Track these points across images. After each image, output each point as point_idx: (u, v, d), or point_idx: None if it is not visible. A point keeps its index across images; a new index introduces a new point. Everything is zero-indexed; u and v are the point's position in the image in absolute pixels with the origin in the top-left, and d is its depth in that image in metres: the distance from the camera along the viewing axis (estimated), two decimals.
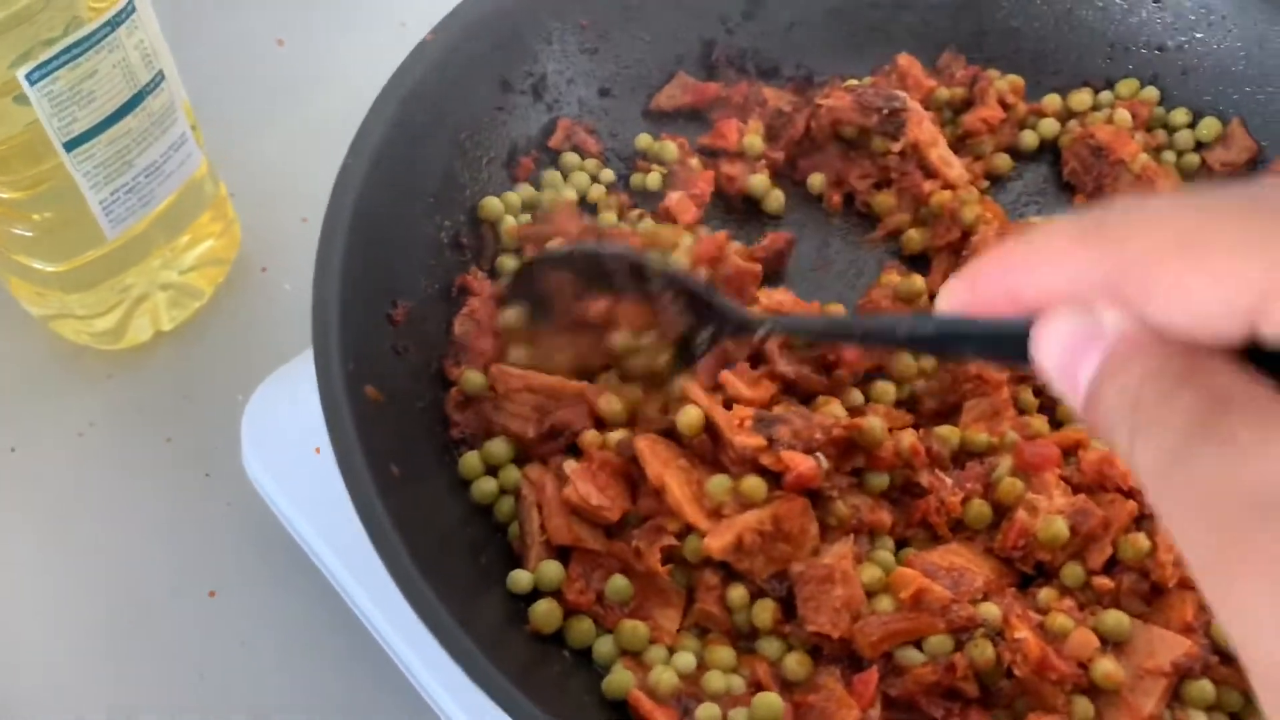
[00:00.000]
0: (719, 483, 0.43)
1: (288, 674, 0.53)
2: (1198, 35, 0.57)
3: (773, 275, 0.53)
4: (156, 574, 0.56)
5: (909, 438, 0.44)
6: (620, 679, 0.40)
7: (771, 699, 0.40)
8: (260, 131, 0.69)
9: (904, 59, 0.57)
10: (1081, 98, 0.59)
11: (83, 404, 0.61)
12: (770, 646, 0.43)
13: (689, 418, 0.44)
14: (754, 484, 0.43)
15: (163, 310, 0.62)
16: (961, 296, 0.26)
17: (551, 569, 0.43)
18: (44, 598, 0.55)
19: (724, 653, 0.42)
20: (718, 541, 0.41)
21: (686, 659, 0.41)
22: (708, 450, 0.44)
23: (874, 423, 0.44)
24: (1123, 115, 0.57)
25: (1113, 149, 0.55)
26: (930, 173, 0.54)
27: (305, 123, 0.69)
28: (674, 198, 0.53)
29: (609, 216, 0.53)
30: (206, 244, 0.62)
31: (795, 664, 0.42)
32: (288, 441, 0.54)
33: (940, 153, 0.54)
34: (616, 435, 0.45)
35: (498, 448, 0.46)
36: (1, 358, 0.62)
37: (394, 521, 0.38)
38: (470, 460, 0.45)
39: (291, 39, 0.74)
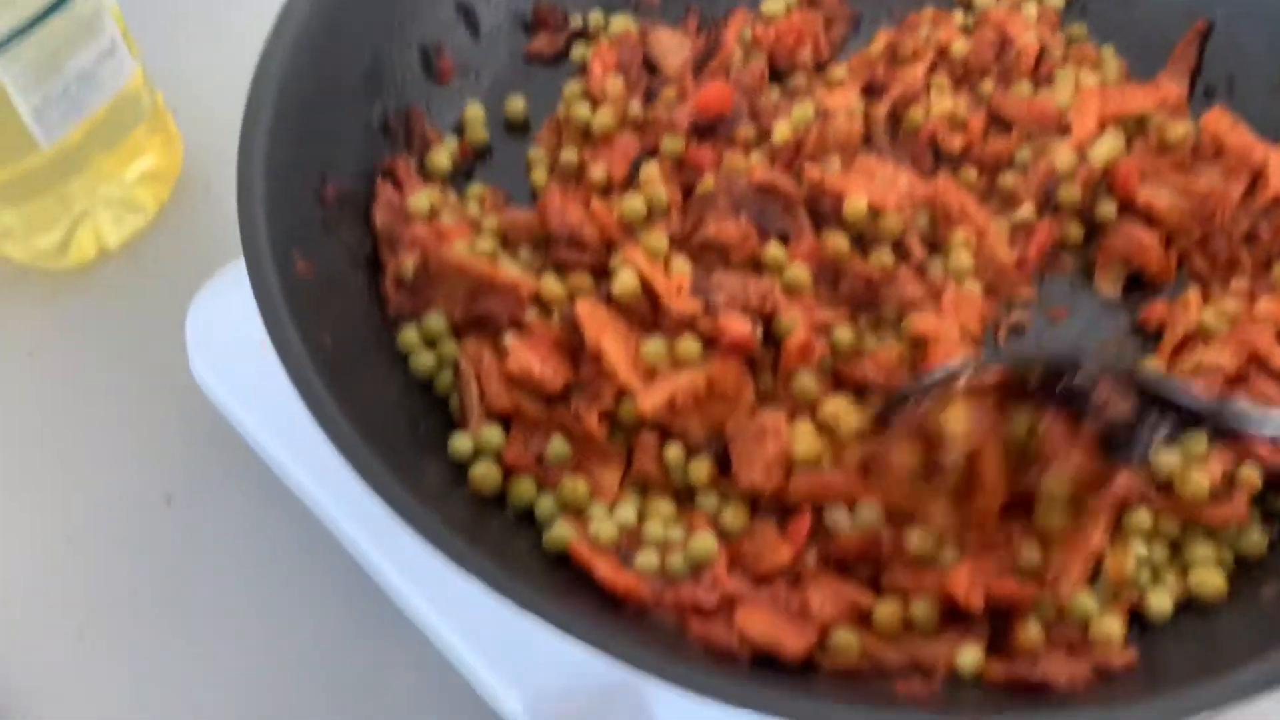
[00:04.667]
0: (654, 346, 0.43)
1: (246, 577, 0.54)
2: None
3: None
4: (112, 486, 0.56)
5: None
6: (560, 532, 0.41)
7: (706, 538, 0.41)
8: (199, 44, 0.68)
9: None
10: None
11: (31, 324, 0.61)
12: (708, 502, 0.43)
13: (625, 283, 0.44)
14: (688, 346, 0.43)
15: (107, 227, 0.62)
16: None
17: (491, 433, 0.43)
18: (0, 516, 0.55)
19: (664, 506, 0.43)
20: (649, 401, 0.42)
21: (626, 513, 0.42)
22: (647, 315, 0.44)
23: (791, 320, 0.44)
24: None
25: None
26: None
27: (246, 32, 0.68)
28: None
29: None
30: (147, 159, 0.61)
31: (732, 517, 0.43)
32: (232, 342, 0.53)
33: None
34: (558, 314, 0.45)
35: (435, 322, 0.46)
36: None
37: (327, 384, 0.38)
38: (408, 334, 0.45)
39: None
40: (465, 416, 0.44)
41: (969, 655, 0.38)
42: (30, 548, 0.54)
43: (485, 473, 0.42)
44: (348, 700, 0.51)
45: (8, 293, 0.61)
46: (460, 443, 0.43)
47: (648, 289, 0.44)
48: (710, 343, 0.43)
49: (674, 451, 0.43)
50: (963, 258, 0.47)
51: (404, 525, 0.36)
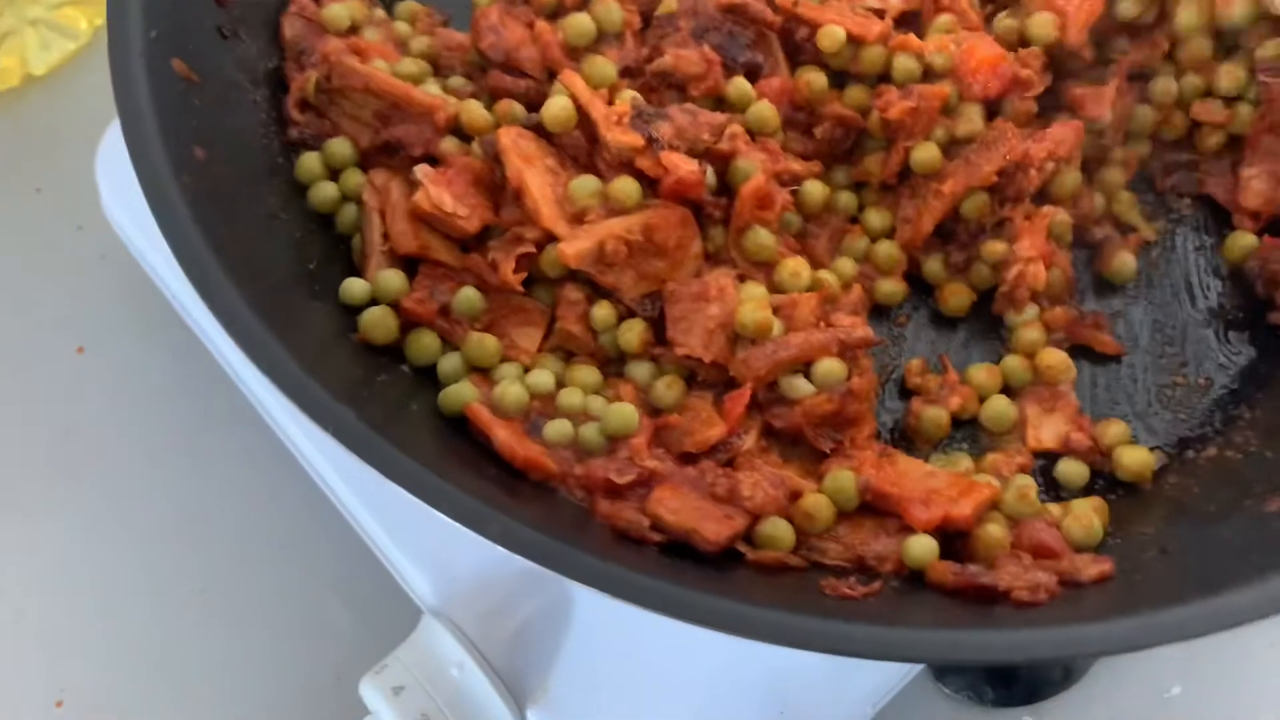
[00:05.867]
0: (583, 184, 0.37)
1: (156, 429, 0.50)
2: None
3: None
4: (20, 330, 0.52)
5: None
6: (457, 391, 0.35)
7: (625, 409, 0.35)
8: None
9: None
10: None
11: None
12: (640, 371, 0.38)
13: (558, 109, 0.37)
14: (625, 186, 0.37)
15: (32, 51, 0.56)
16: None
17: (391, 277, 0.37)
18: None
19: (587, 373, 0.37)
20: (573, 247, 0.36)
21: (543, 377, 0.36)
22: (582, 151, 0.38)
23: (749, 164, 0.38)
24: None
25: None
26: None
27: None
28: None
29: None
30: None
31: (665, 388, 0.37)
32: None
33: None
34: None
35: (340, 148, 0.40)
36: None
37: (189, 200, 0.32)
38: (308, 161, 0.39)
39: None
40: (365, 258, 0.38)
41: (919, 546, 0.33)
42: None
43: (378, 320, 0.37)
44: (256, 565, 0.47)
45: None
46: (354, 287, 0.37)
47: (584, 119, 0.38)
48: (653, 186, 0.37)
49: (603, 311, 0.37)
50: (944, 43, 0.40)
51: (246, 355, 0.30)
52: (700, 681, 0.40)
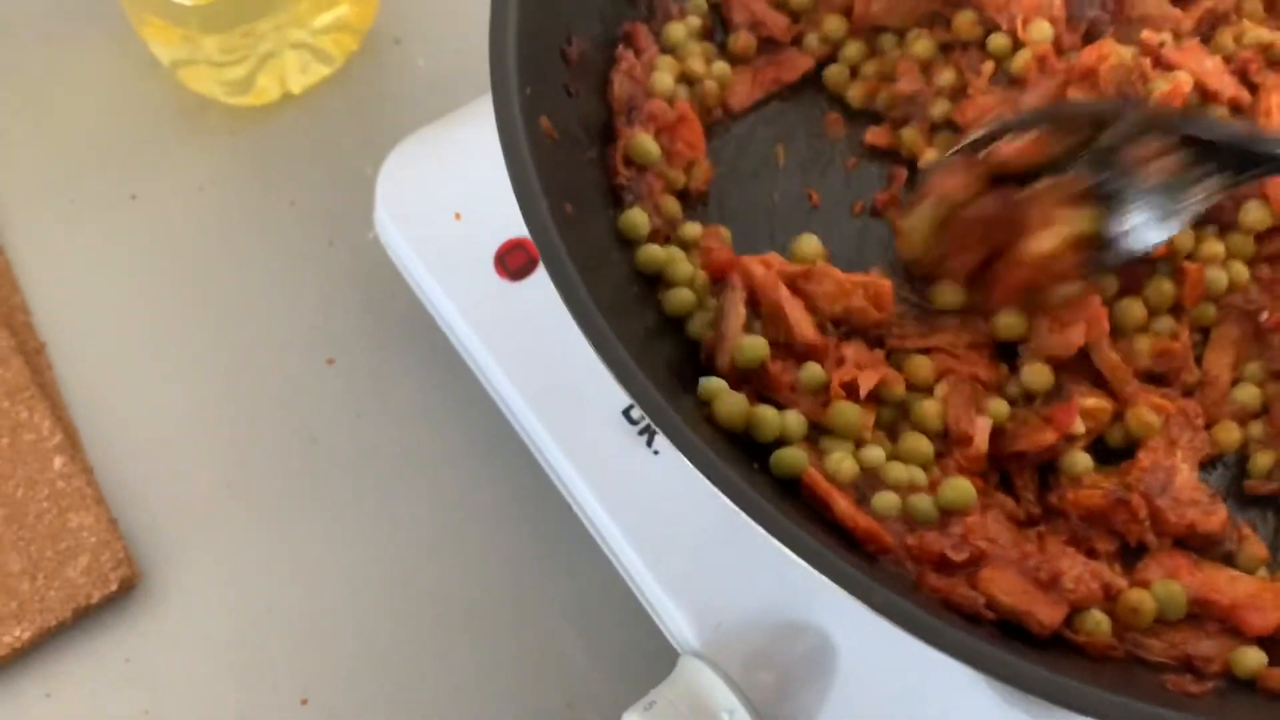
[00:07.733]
0: None
1: (404, 444, 0.52)
2: None
3: None
4: (272, 338, 0.54)
5: None
6: (793, 455, 0.37)
7: (963, 484, 0.37)
8: None
9: None
10: None
11: (205, 159, 0.59)
12: None
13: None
14: None
15: (292, 72, 0.59)
16: None
17: (755, 344, 0.38)
18: (151, 350, 0.54)
19: (918, 442, 0.38)
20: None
21: (874, 452, 0.38)
22: None
23: None
24: None
25: None
26: None
27: None
28: None
29: None
30: (342, 9, 0.58)
31: None
32: (425, 205, 0.51)
33: None
34: None
35: (669, 205, 0.41)
36: (123, 104, 0.59)
37: (571, 256, 0.34)
38: (634, 217, 0.41)
39: None
40: (722, 339, 0.39)
41: (1251, 656, 0.34)
42: (182, 397, 0.53)
43: (733, 403, 0.38)
44: (501, 590, 0.49)
45: (184, 124, 0.59)
46: (711, 383, 0.38)
47: None
48: None
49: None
50: None
51: (684, 454, 0.32)
52: None
